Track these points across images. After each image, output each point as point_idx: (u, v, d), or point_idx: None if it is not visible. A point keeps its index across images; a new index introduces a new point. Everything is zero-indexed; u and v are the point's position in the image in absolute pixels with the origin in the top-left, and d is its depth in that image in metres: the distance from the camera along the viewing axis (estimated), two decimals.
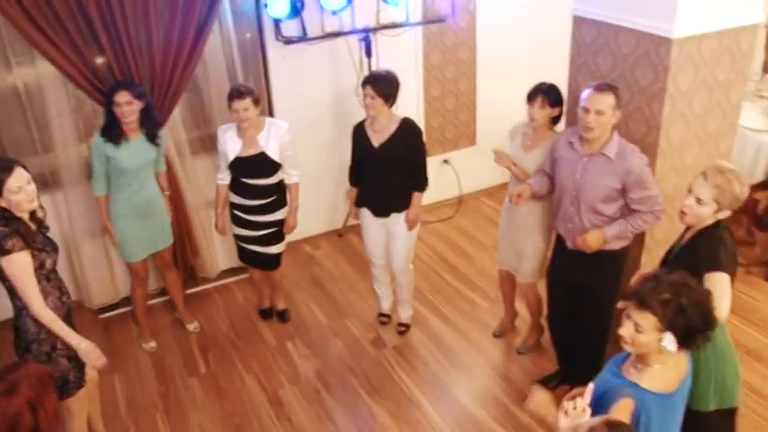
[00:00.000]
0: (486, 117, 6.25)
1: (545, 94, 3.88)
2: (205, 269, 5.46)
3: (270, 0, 4.88)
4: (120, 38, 4.34)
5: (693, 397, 3.01)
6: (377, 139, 4.29)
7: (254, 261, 4.81)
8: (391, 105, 4.23)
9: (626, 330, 2.33)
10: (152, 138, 4.31)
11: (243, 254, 4.80)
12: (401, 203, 4.42)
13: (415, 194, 4.41)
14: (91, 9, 4.21)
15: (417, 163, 4.36)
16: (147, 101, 4.24)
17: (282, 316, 5.10)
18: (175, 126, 4.93)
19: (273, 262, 4.80)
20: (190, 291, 5.38)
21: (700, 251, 2.92)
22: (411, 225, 4.47)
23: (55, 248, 3.32)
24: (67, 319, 3.34)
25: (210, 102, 5.17)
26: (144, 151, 4.29)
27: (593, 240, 3.57)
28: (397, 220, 4.46)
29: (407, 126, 4.29)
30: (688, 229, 3.07)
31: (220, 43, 5.00)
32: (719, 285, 2.81)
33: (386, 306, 4.97)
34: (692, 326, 2.26)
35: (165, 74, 4.57)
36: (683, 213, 2.99)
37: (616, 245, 3.64)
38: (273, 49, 5.26)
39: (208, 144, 5.29)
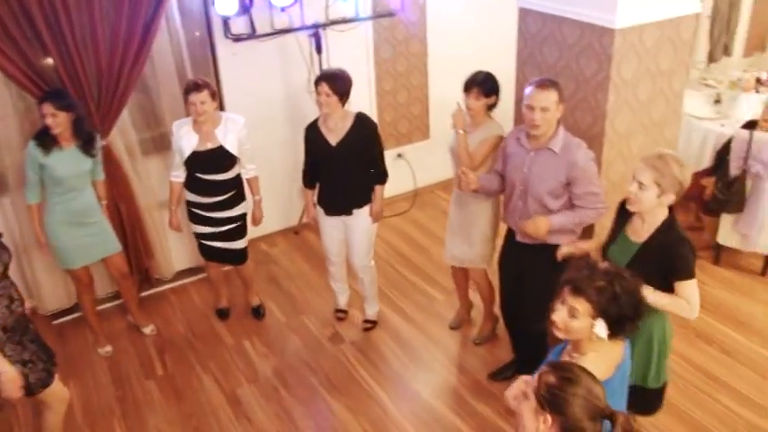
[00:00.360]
0: (438, 110, 6.27)
1: (480, 85, 3.93)
2: (160, 271, 5.40)
3: None
4: (65, 37, 4.25)
5: (652, 376, 3.21)
6: (333, 138, 4.26)
7: (220, 256, 4.77)
8: (345, 102, 4.22)
9: (559, 316, 2.38)
10: (86, 150, 4.19)
11: (207, 250, 4.74)
12: (361, 199, 4.43)
13: (378, 188, 4.44)
14: (33, 8, 4.11)
15: (376, 157, 4.38)
16: (77, 112, 4.11)
17: (258, 312, 5.07)
18: (125, 127, 4.86)
19: (240, 257, 4.78)
20: (145, 293, 5.32)
21: (671, 258, 2.96)
22: (376, 219, 4.50)
23: (9, 254, 3.27)
24: (19, 326, 3.29)
25: (160, 101, 5.11)
26: (77, 162, 4.18)
27: (540, 223, 3.56)
28: (358, 216, 4.45)
29: (363, 121, 4.29)
30: (631, 214, 3.11)
31: (169, 42, 4.94)
32: (694, 290, 2.99)
33: (342, 301, 4.98)
34: (624, 314, 2.32)
35: (112, 74, 4.50)
36: (630, 201, 3.04)
37: (564, 239, 3.67)
38: (223, 47, 5.21)
39: (159, 144, 5.24)
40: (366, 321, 4.90)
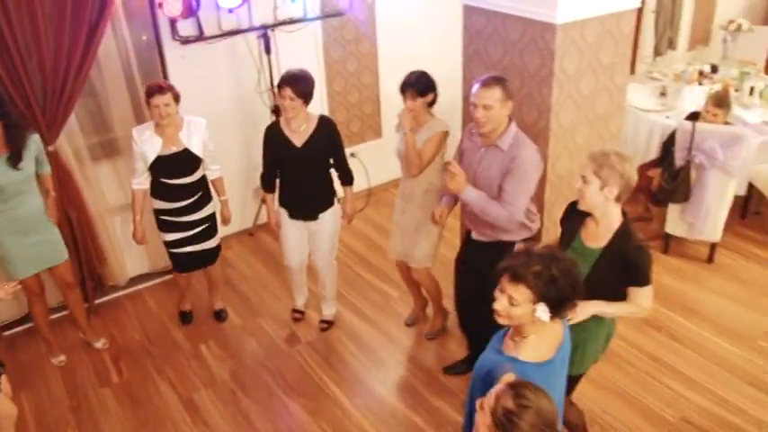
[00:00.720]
0: (390, 109, 6.27)
1: (413, 86, 3.96)
2: (114, 277, 5.34)
3: (164, 0, 4.80)
4: (7, 44, 4.17)
5: (576, 368, 3.21)
6: (298, 139, 4.23)
7: (193, 264, 4.72)
8: (308, 104, 4.20)
9: (500, 304, 2.40)
10: (13, 162, 3.96)
11: (182, 262, 4.68)
12: (327, 202, 4.45)
13: (347, 189, 4.49)
14: None
15: (342, 158, 4.41)
16: (10, 120, 3.98)
17: (220, 315, 5.04)
18: (72, 132, 4.80)
19: (213, 256, 4.75)
20: (99, 300, 5.26)
21: (628, 265, 2.98)
22: (350, 219, 4.56)
23: None
24: None
25: (109, 106, 5.06)
26: (14, 169, 4.00)
27: (457, 180, 3.52)
28: (323, 218, 4.46)
29: (326, 123, 4.30)
30: (583, 217, 3.11)
31: (115, 46, 4.89)
32: (648, 297, 3.03)
33: (300, 302, 4.98)
34: (563, 295, 2.35)
35: (57, 79, 4.43)
36: (579, 198, 3.04)
37: (516, 236, 3.68)
38: (171, 50, 5.17)
39: (109, 149, 5.18)
40: (323, 322, 4.91)
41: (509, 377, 2.21)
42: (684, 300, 4.98)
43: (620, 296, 3.04)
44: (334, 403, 4.25)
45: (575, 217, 3.13)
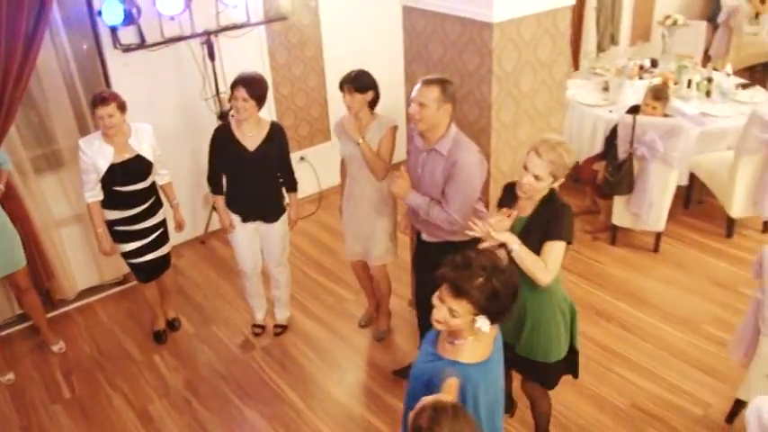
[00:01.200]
0: (338, 112, 6.27)
1: (351, 82, 3.98)
2: (62, 291, 5.25)
3: (104, 8, 4.74)
4: None
5: (543, 351, 3.28)
6: (251, 143, 4.20)
7: (153, 272, 4.65)
8: (261, 107, 4.17)
9: (440, 314, 2.37)
10: None
11: (142, 271, 4.60)
12: (278, 206, 4.44)
13: (292, 195, 4.49)
14: None
15: (289, 164, 4.41)
16: None
17: (173, 324, 4.99)
18: (13, 145, 4.70)
19: (166, 262, 4.69)
20: (48, 315, 5.15)
21: (549, 220, 3.06)
22: (294, 224, 4.55)
23: None
24: None
25: (50, 118, 4.97)
26: None
27: (401, 186, 3.58)
28: (274, 222, 4.46)
29: (277, 128, 4.30)
30: (517, 196, 3.16)
31: (55, 56, 4.81)
32: (557, 252, 3.04)
33: (260, 316, 4.92)
34: (504, 306, 2.35)
35: None
36: (522, 189, 3.07)
37: (466, 236, 3.70)
38: (113, 58, 5.10)
39: (53, 161, 5.09)
40: (276, 326, 4.89)
41: (453, 382, 2.22)
42: (633, 289, 5.09)
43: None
44: (290, 408, 4.24)
45: (509, 199, 3.22)
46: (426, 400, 2.05)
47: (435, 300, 2.38)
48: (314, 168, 6.16)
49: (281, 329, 4.87)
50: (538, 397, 3.61)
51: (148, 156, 4.30)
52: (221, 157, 4.31)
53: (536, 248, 3.07)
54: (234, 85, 4.08)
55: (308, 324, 4.95)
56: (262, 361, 4.63)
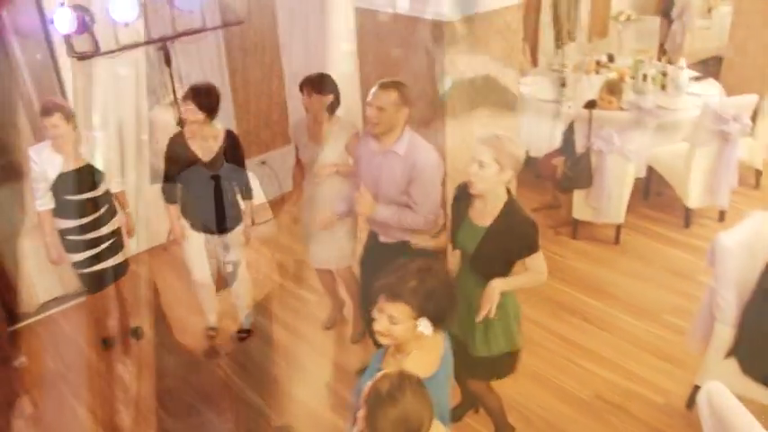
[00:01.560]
0: (298, 115, 6.29)
1: (310, 83, 4.00)
2: (23, 304, 5.18)
3: (56, 16, 4.68)
4: None
5: (487, 345, 3.29)
6: (205, 154, 4.17)
7: (105, 282, 4.56)
8: (213, 118, 4.13)
9: (381, 325, 2.38)
10: None
11: (93, 282, 4.52)
12: (236, 215, 4.42)
13: (248, 203, 4.47)
14: None
15: (245, 173, 4.38)
16: None
17: (136, 333, 4.93)
18: None
19: (122, 269, 4.61)
20: (10, 329, 5.08)
21: (518, 238, 3.10)
22: (248, 236, 4.53)
23: None
24: None
25: (5, 128, 4.90)
26: None
27: (365, 205, 3.60)
28: (234, 233, 4.44)
29: (232, 137, 4.27)
30: (471, 198, 3.19)
31: (7, 66, 4.75)
32: (540, 258, 3.16)
33: (213, 319, 4.88)
34: (441, 306, 2.37)
35: None
36: (471, 183, 3.09)
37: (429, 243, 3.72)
38: (68, 67, 5.04)
39: (9, 172, 5.01)
40: (240, 332, 4.86)
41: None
42: (594, 281, 5.15)
43: (505, 270, 3.15)
44: (257, 413, 4.22)
45: (463, 199, 3.22)
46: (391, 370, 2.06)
47: (375, 312, 2.39)
48: (275, 172, 6.15)
49: (246, 335, 4.85)
50: (484, 394, 3.62)
51: (98, 164, 4.25)
52: (175, 167, 4.24)
53: (493, 257, 3.11)
54: (183, 99, 4.05)
55: (272, 328, 4.94)
56: (227, 367, 4.61)
